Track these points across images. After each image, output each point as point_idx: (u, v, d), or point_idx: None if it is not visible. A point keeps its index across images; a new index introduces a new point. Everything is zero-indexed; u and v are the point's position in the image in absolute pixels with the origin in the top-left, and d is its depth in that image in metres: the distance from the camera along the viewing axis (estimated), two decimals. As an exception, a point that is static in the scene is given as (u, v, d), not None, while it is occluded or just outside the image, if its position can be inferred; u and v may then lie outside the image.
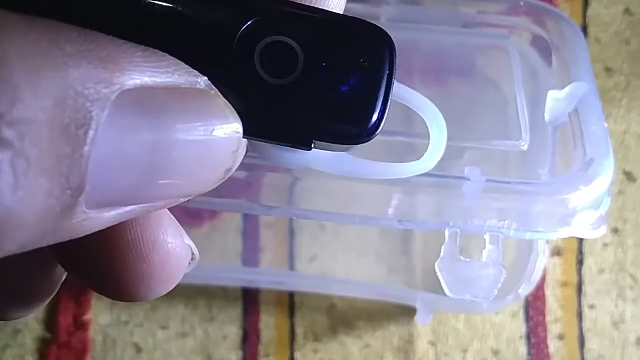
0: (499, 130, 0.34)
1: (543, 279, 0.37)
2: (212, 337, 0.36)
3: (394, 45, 0.13)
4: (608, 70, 0.38)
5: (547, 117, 0.30)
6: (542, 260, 0.36)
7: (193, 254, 0.15)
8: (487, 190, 0.25)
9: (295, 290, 0.37)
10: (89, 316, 0.36)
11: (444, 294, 0.26)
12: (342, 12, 0.14)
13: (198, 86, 0.11)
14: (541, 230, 0.26)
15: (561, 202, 0.25)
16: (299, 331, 0.36)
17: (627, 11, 0.39)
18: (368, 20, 0.13)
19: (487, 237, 0.26)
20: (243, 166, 0.13)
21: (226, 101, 0.12)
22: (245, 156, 0.13)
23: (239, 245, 0.37)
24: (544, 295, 0.37)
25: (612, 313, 0.37)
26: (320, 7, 0.13)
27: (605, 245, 0.37)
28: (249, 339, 0.36)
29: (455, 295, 0.26)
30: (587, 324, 0.37)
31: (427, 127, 0.16)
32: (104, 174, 0.10)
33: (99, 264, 0.14)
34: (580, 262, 0.37)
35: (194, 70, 0.11)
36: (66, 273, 0.16)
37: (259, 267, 0.37)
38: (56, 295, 0.16)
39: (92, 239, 0.11)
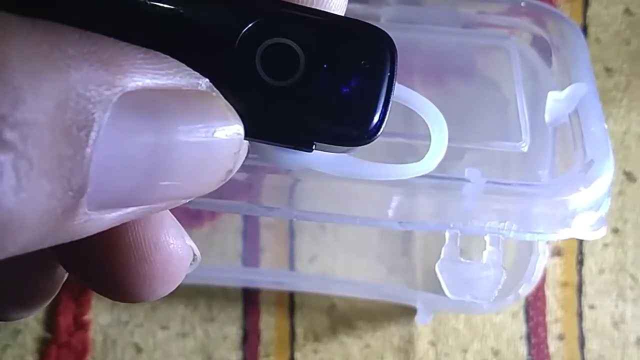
0: (499, 131, 0.34)
1: (543, 279, 0.37)
2: (212, 337, 0.36)
3: (395, 47, 0.13)
4: (608, 70, 0.38)
5: (547, 118, 0.30)
6: (542, 261, 0.36)
7: (194, 254, 0.15)
8: (487, 192, 0.25)
9: (295, 290, 0.37)
10: (89, 316, 0.36)
11: (444, 294, 0.26)
12: (343, 14, 0.14)
13: (199, 88, 0.11)
14: (541, 232, 0.26)
15: (561, 203, 0.25)
16: (299, 331, 0.36)
17: (627, 11, 0.39)
18: (369, 22, 0.13)
19: (487, 238, 0.26)
20: (243, 167, 0.13)
21: (227, 103, 0.12)
22: (246, 157, 0.13)
23: (239, 245, 0.37)
24: (544, 295, 0.37)
25: (612, 313, 0.37)
26: (321, 9, 0.13)
27: (605, 245, 0.37)
28: (249, 339, 0.36)
29: (455, 296, 0.26)
30: (587, 324, 0.37)
31: (427, 127, 0.16)
32: (106, 176, 0.10)
33: (101, 265, 0.14)
34: (580, 262, 0.37)
35: (195, 72, 0.11)
36: (67, 274, 0.16)
37: (259, 267, 0.37)
38: (56, 295, 0.16)
39: (94, 240, 0.11)
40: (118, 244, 0.13)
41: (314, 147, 0.13)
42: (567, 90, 0.29)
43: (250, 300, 0.37)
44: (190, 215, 0.37)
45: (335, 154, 0.15)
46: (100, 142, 0.10)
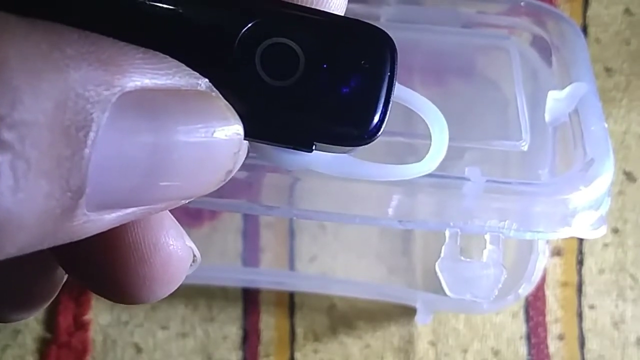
0: (499, 131, 0.34)
1: (543, 279, 0.37)
2: (212, 337, 0.36)
3: (395, 47, 0.13)
4: (608, 70, 0.38)
5: (547, 117, 0.30)
6: (542, 260, 0.36)
7: (194, 255, 0.15)
8: (488, 191, 0.25)
9: (295, 290, 0.37)
10: (89, 316, 0.36)
11: (444, 294, 0.26)
12: (342, 14, 0.14)
13: (199, 88, 0.11)
14: (541, 231, 0.26)
15: (561, 202, 0.25)
16: (299, 331, 0.36)
17: (627, 11, 0.39)
18: (369, 22, 0.13)
19: (487, 237, 0.26)
20: (243, 166, 0.13)
21: (227, 103, 0.12)
22: (246, 157, 0.13)
23: (239, 245, 0.37)
24: (544, 295, 0.37)
25: (612, 313, 0.37)
26: (321, 9, 0.13)
27: (605, 245, 0.37)
28: (249, 339, 0.36)
29: (455, 295, 0.26)
30: (587, 324, 0.37)
31: (427, 127, 0.16)
32: (105, 176, 0.10)
33: (100, 266, 0.14)
34: (580, 262, 0.37)
35: (195, 72, 0.11)
36: (67, 275, 0.16)
37: (259, 267, 0.37)
38: (56, 295, 0.16)
39: (93, 241, 0.11)
40: (117, 245, 0.13)
41: (313, 147, 0.13)
42: (567, 89, 0.29)
43: (250, 300, 0.37)
44: (190, 215, 0.37)
45: (335, 154, 0.15)
46: (99, 143, 0.10)
